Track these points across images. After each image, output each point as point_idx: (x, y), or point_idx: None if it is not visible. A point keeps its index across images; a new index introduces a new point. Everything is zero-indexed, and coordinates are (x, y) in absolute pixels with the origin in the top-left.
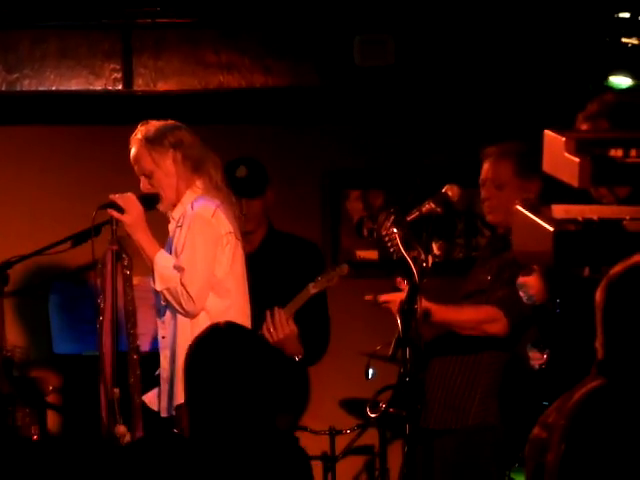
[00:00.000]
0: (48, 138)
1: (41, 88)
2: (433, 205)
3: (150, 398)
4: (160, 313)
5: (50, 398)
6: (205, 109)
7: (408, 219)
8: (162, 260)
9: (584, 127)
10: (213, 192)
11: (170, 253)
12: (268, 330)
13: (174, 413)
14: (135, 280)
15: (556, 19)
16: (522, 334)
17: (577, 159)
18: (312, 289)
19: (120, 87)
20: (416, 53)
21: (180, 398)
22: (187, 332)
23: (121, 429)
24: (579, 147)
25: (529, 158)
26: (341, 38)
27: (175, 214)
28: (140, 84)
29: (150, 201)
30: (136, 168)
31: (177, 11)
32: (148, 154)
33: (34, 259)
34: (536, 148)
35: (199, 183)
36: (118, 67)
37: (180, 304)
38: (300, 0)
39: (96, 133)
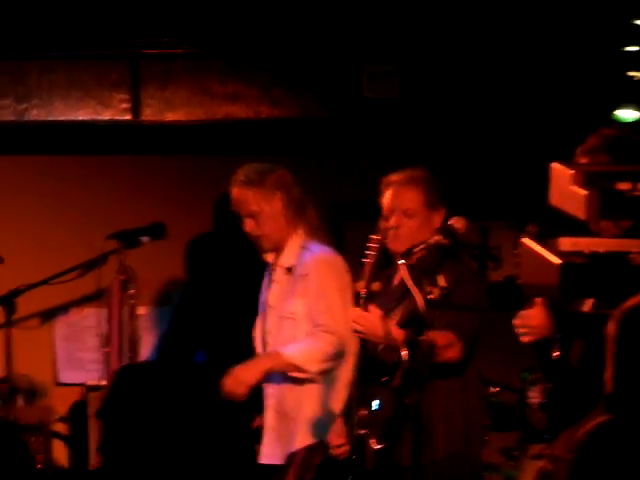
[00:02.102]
0: (56, 168)
1: (49, 118)
2: (440, 237)
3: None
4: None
5: (55, 427)
6: (212, 139)
7: (414, 250)
8: (292, 351)
9: (583, 161)
10: (315, 234)
11: (267, 301)
12: None
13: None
14: (141, 310)
15: (562, 52)
16: (470, 357)
17: (585, 192)
18: None
19: (128, 117)
20: (422, 85)
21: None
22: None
23: None
24: (587, 180)
25: (435, 186)
26: (348, 70)
27: (284, 261)
28: (148, 114)
29: (158, 230)
30: (239, 210)
31: (185, 42)
32: (252, 195)
33: (41, 288)
34: (439, 177)
35: (301, 226)
36: (126, 97)
37: (336, 355)
38: (308, 32)
39: (104, 163)
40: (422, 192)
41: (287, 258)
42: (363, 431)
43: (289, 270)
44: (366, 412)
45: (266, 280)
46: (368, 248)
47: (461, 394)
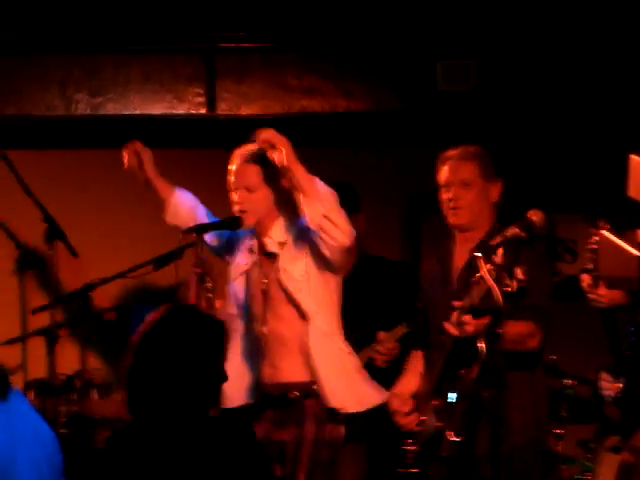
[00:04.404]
0: None
1: (125, 112)
2: (517, 230)
3: None
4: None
5: None
6: (287, 133)
7: (492, 243)
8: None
9: None
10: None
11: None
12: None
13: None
14: (217, 303)
15: (638, 47)
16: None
17: None
18: (405, 328)
19: (203, 111)
20: (498, 78)
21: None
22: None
23: None
24: None
25: (490, 161)
26: (423, 63)
27: (276, 236)
28: (223, 108)
29: (236, 223)
30: (235, 180)
31: (260, 35)
32: (257, 170)
33: (116, 282)
34: (492, 153)
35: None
36: (201, 91)
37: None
38: (383, 25)
39: (179, 157)
40: (478, 164)
41: (279, 233)
42: (440, 424)
43: (282, 245)
44: (441, 402)
45: (246, 254)
46: None
47: (530, 385)
